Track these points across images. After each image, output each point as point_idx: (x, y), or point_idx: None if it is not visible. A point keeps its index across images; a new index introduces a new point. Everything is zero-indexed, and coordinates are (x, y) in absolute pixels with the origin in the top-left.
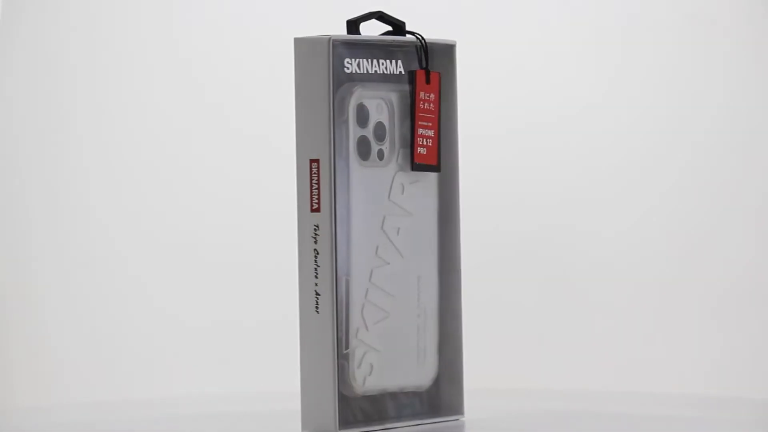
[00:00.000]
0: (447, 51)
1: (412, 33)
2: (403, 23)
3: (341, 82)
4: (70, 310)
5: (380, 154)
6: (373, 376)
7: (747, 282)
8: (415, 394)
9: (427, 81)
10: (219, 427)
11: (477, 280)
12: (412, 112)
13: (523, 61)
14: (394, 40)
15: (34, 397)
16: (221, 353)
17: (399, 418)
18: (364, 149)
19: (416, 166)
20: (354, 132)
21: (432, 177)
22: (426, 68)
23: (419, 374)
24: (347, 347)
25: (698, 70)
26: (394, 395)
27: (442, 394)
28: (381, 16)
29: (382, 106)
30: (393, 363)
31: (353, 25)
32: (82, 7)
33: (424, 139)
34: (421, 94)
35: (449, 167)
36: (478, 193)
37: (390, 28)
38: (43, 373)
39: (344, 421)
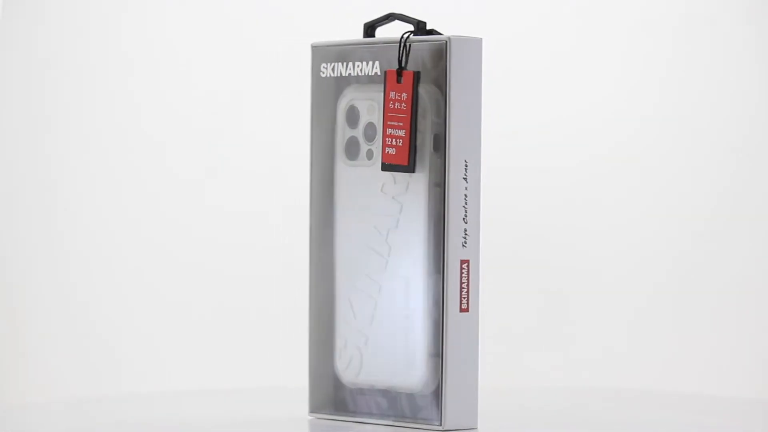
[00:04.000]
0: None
1: (412, 32)
2: (422, 23)
3: (338, 84)
4: (64, 305)
5: (369, 155)
6: (350, 370)
7: (751, 282)
8: (406, 396)
9: (399, 80)
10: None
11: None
12: (383, 112)
13: (523, 61)
14: (373, 42)
15: (28, 394)
16: (233, 345)
17: (383, 416)
18: (353, 149)
19: (385, 166)
20: (343, 133)
21: (420, 177)
22: (399, 67)
23: (408, 378)
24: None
25: (698, 70)
26: (386, 393)
27: (426, 401)
28: (400, 17)
29: (373, 107)
30: (377, 362)
31: (369, 29)
32: (81, 7)
33: (393, 139)
34: (392, 93)
35: (440, 167)
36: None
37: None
38: (39, 371)
39: (322, 406)
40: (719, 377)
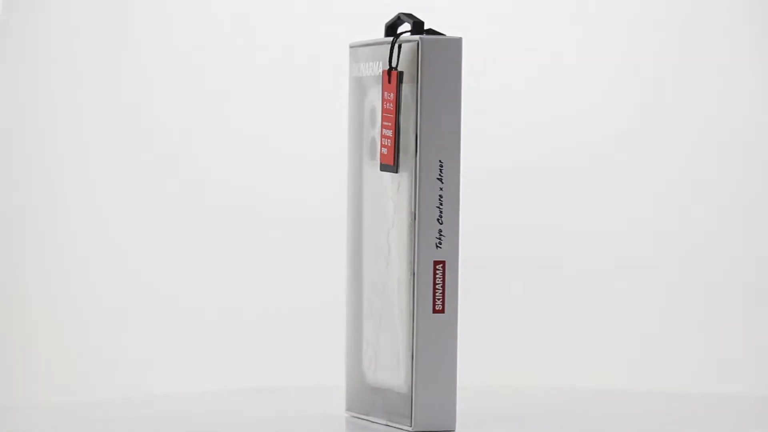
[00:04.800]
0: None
1: (411, 31)
2: (419, 22)
3: (364, 85)
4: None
5: None
6: (370, 368)
7: (747, 280)
8: (398, 396)
9: (389, 80)
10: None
11: (473, 277)
12: (380, 112)
13: (522, 60)
14: (379, 41)
15: (30, 395)
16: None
17: (381, 415)
18: (373, 149)
19: (381, 166)
20: (367, 133)
21: (405, 177)
22: (390, 68)
23: (398, 377)
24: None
25: (697, 69)
26: (387, 392)
27: (407, 401)
28: (406, 17)
29: None
30: (381, 361)
31: (389, 29)
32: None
33: (385, 139)
34: (385, 94)
35: (414, 167)
36: (471, 190)
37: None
38: (40, 372)
39: (355, 405)
40: (713, 374)
